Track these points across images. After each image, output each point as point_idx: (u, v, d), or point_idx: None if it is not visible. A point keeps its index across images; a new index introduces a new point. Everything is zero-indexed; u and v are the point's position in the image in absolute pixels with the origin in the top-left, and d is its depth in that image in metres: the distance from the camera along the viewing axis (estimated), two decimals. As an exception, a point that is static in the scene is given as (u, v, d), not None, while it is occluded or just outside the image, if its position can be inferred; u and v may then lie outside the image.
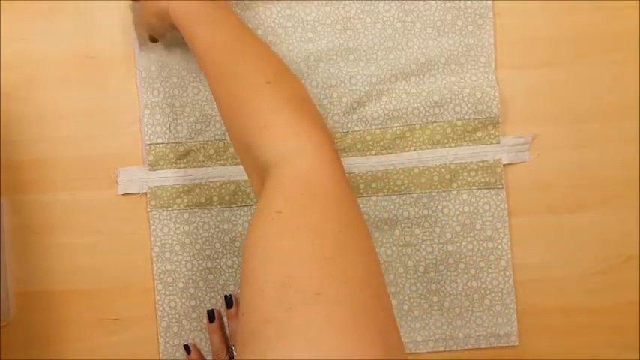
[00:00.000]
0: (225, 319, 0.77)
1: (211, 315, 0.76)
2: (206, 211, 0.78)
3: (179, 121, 0.78)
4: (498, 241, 0.77)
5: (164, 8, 0.65)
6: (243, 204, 0.78)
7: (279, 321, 0.39)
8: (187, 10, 0.63)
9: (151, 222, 0.78)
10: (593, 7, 0.78)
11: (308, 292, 0.40)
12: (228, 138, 0.77)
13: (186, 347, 0.76)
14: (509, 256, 0.77)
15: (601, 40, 0.78)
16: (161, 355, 0.78)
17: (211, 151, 0.78)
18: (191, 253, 0.78)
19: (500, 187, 0.77)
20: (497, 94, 0.77)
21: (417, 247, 0.77)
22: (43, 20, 0.79)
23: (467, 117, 0.77)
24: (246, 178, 0.77)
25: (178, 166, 0.78)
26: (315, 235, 0.45)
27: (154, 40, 0.77)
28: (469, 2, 0.77)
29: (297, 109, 0.55)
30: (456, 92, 0.77)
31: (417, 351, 0.77)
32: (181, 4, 0.64)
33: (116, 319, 0.79)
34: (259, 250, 0.45)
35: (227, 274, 0.78)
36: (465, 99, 0.77)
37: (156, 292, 0.78)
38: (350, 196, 0.50)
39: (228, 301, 0.75)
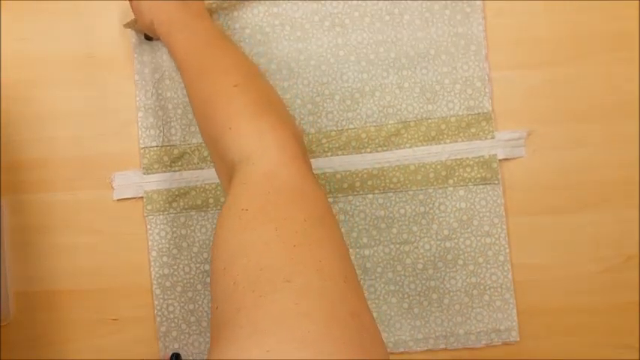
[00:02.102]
0: None
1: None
2: (202, 213, 0.78)
3: (172, 124, 0.78)
4: (496, 236, 0.77)
5: (150, 19, 0.68)
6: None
7: (249, 309, 0.40)
8: (166, 19, 0.66)
9: (148, 226, 0.78)
10: (593, 7, 0.77)
11: (278, 281, 0.41)
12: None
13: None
14: (507, 251, 0.77)
15: (601, 40, 0.78)
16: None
17: (205, 153, 0.78)
18: (189, 257, 0.78)
19: (497, 182, 0.76)
20: (487, 89, 0.77)
21: (415, 244, 0.77)
22: (43, 20, 0.80)
23: (460, 113, 0.77)
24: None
25: (173, 168, 0.78)
26: (282, 226, 0.46)
27: (148, 37, 0.77)
28: (456, -9, 0.77)
29: (263, 109, 0.56)
30: (448, 89, 0.77)
31: (418, 349, 0.77)
32: (161, 14, 0.67)
33: (116, 319, 0.79)
34: (229, 246, 0.46)
35: (225, 275, 0.78)
36: (457, 95, 0.77)
37: (154, 297, 0.78)
38: (316, 190, 0.51)
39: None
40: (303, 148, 0.55)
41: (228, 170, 0.54)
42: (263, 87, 0.61)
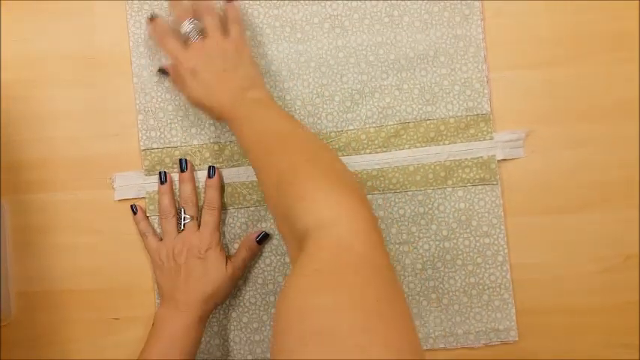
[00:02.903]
0: (177, 182, 0.78)
1: (163, 176, 0.77)
2: (203, 213, 0.78)
3: (173, 125, 0.78)
4: (494, 236, 0.77)
5: (218, 110, 0.71)
6: (239, 206, 0.78)
7: None
8: (240, 115, 0.69)
9: (151, 226, 0.79)
10: (593, 7, 0.77)
11: (348, 346, 0.41)
12: (222, 140, 0.78)
13: (132, 207, 0.78)
14: (506, 251, 0.77)
15: (601, 40, 0.78)
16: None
17: (207, 154, 0.78)
18: (189, 256, 0.78)
19: (495, 183, 0.77)
20: (486, 90, 0.77)
21: (414, 244, 0.77)
22: (43, 20, 0.80)
23: (459, 114, 0.77)
24: (242, 179, 0.78)
25: (175, 170, 0.78)
26: (354, 294, 0.46)
27: (164, 72, 0.77)
28: (455, -7, 0.78)
29: (334, 180, 0.58)
30: (447, 90, 0.77)
31: (417, 349, 0.77)
32: (233, 111, 0.70)
33: (117, 319, 0.79)
34: (296, 304, 0.46)
35: (225, 275, 0.78)
36: (456, 96, 0.77)
37: (156, 297, 0.78)
38: (386, 261, 0.51)
39: (183, 164, 0.77)
40: (374, 217, 0.56)
41: (298, 239, 0.54)
42: (332, 160, 0.63)
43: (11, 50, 0.80)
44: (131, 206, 0.78)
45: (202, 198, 0.77)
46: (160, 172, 0.77)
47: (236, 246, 0.78)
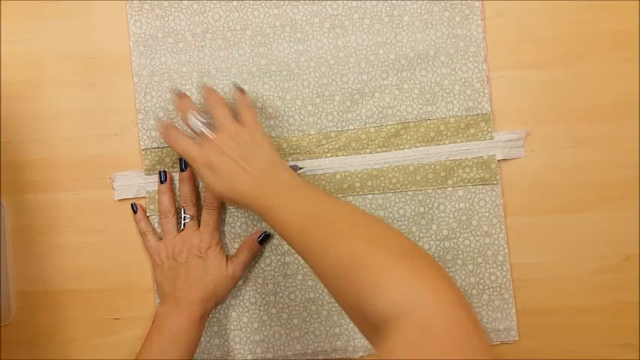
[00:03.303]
0: (177, 182, 0.78)
1: (163, 176, 0.77)
2: (203, 212, 0.78)
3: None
4: (495, 236, 0.77)
5: (242, 200, 0.68)
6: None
7: None
8: (267, 201, 0.66)
9: (151, 226, 0.79)
10: (593, 7, 0.77)
11: None
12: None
13: (133, 206, 0.78)
14: (506, 251, 0.77)
15: (601, 40, 0.78)
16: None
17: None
18: (189, 256, 0.78)
19: (495, 182, 0.77)
20: (486, 90, 0.77)
21: (414, 244, 0.77)
22: (43, 20, 0.79)
23: (459, 114, 0.77)
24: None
25: (175, 169, 0.78)
26: None
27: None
28: (456, -7, 0.78)
29: (404, 258, 0.54)
30: (447, 90, 0.77)
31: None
32: (259, 198, 0.66)
33: (117, 319, 0.79)
34: None
35: (225, 275, 0.78)
36: (456, 96, 0.77)
37: (156, 297, 0.78)
38: (473, 331, 0.49)
39: (183, 164, 0.76)
40: (458, 291, 0.52)
41: (373, 325, 0.52)
42: (396, 236, 0.59)
43: (11, 50, 0.79)
44: (131, 205, 0.78)
45: (202, 197, 0.77)
46: (159, 172, 0.77)
47: (236, 246, 0.78)
